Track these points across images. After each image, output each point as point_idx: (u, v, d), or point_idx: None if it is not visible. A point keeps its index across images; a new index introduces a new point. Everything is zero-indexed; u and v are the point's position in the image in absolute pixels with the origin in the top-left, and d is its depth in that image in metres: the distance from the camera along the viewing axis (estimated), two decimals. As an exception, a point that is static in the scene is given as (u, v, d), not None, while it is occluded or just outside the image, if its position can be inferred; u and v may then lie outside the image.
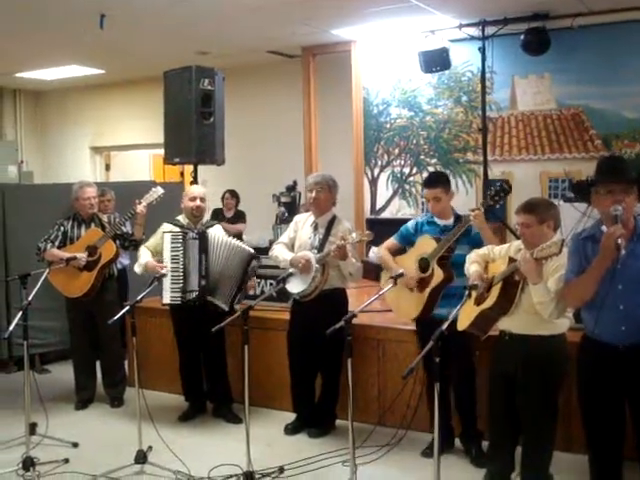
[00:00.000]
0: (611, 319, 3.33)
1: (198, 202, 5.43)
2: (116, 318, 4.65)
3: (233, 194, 9.30)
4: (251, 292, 5.74)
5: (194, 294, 5.28)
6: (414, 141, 8.95)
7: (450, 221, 4.69)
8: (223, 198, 9.30)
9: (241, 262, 5.34)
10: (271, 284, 5.75)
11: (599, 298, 3.34)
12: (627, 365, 3.33)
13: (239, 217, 9.22)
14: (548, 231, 3.77)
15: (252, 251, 5.40)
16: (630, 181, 3.36)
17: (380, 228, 5.16)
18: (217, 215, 9.15)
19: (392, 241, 4.92)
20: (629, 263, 3.27)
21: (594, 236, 3.44)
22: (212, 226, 5.52)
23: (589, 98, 7.85)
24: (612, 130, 7.81)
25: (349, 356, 3.90)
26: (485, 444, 4.58)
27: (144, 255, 5.45)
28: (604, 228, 3.37)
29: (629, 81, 7.60)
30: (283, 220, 8.65)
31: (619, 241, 3.15)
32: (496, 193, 4.38)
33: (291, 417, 5.37)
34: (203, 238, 5.32)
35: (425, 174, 8.33)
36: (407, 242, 4.85)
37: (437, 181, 4.73)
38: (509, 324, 3.88)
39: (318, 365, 5.19)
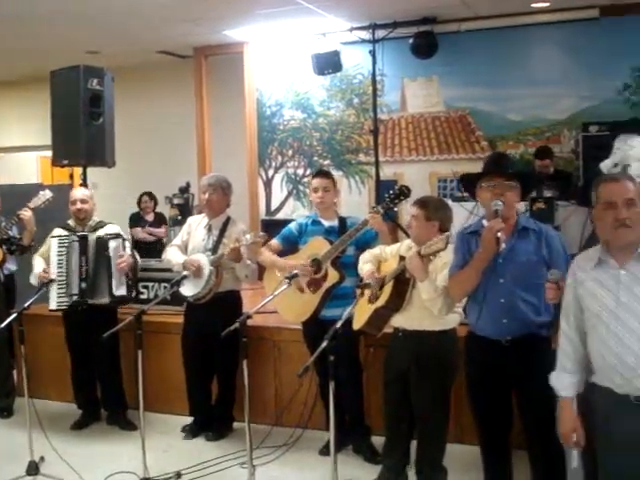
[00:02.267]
0: (493, 312, 3.42)
1: (79, 205, 5.31)
2: (3, 326, 4.50)
3: (151, 196, 9.04)
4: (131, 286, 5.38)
5: (75, 297, 5.18)
6: (307, 142, 9.03)
7: (335, 222, 4.72)
8: (140, 202, 9.06)
9: (102, 251, 5.22)
10: (165, 287, 5.68)
11: (481, 292, 3.44)
12: (511, 359, 3.42)
13: (161, 220, 9.03)
14: (432, 230, 3.83)
15: (102, 234, 5.28)
16: (510, 176, 3.47)
17: (275, 229, 5.14)
18: (137, 220, 8.90)
19: (275, 242, 4.88)
20: (510, 258, 3.39)
21: (477, 231, 3.53)
22: (102, 227, 5.40)
23: (475, 101, 8.11)
24: (497, 132, 8.11)
25: (244, 358, 3.90)
26: (375, 439, 4.67)
27: (37, 265, 5.28)
28: (484, 222, 3.50)
29: (513, 84, 7.90)
30: (176, 222, 8.56)
31: (499, 235, 3.25)
32: (396, 196, 4.41)
33: (188, 421, 5.33)
34: (83, 241, 5.24)
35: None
36: (290, 243, 4.83)
37: (328, 173, 4.86)
38: (402, 321, 3.95)
39: (214, 368, 5.17)
